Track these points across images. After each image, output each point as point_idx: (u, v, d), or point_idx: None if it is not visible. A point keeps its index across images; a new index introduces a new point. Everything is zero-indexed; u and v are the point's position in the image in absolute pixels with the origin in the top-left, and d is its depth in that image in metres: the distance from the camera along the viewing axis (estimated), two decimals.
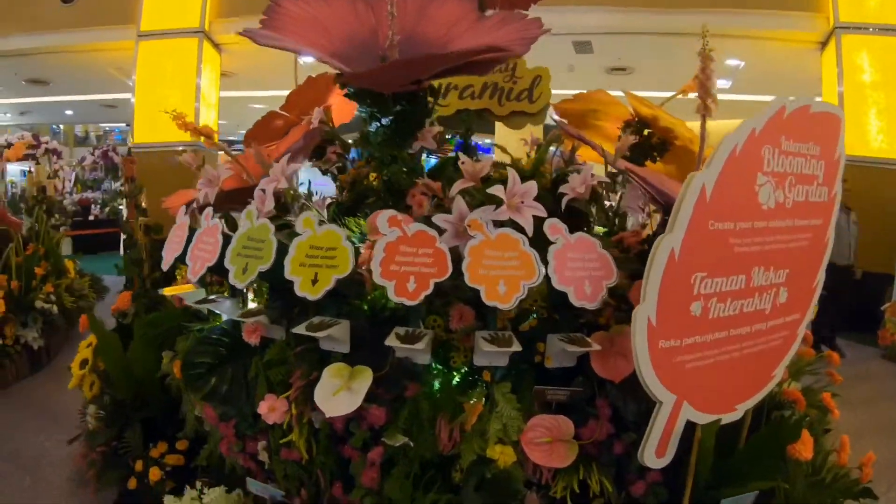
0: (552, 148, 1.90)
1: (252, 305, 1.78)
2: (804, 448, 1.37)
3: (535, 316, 1.48)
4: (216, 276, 1.88)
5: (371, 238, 1.36)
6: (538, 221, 1.36)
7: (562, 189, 1.47)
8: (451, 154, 1.91)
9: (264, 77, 7.47)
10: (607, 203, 1.96)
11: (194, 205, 1.93)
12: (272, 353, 1.55)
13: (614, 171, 1.72)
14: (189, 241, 1.74)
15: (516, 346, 1.26)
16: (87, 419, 2.33)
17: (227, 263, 1.53)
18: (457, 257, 1.30)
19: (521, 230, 1.33)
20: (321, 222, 1.45)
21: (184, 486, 1.79)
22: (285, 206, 1.68)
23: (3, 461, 2.57)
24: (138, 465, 2.01)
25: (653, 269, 1.11)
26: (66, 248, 7.51)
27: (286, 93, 2.45)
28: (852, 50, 5.63)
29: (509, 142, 2.20)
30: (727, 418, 1.31)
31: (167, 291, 2.15)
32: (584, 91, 2.27)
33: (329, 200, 2.20)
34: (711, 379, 1.25)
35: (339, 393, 1.27)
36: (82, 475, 2.27)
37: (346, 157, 2.16)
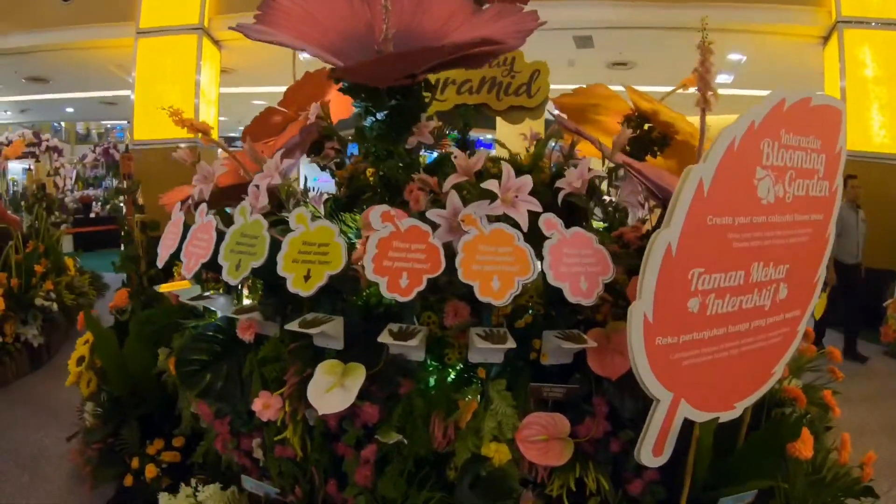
0: (552, 143, 1.88)
1: (247, 302, 1.77)
2: (804, 447, 1.35)
3: (531, 312, 1.46)
4: (211, 273, 1.87)
5: (365, 234, 1.35)
6: (535, 216, 1.34)
7: (558, 184, 1.45)
8: (450, 149, 1.89)
9: (265, 73, 7.44)
10: (607, 198, 1.94)
11: (189, 201, 1.92)
12: (266, 350, 1.53)
13: (613, 165, 1.70)
14: (184, 237, 1.73)
15: (510, 343, 1.24)
16: (85, 416, 2.33)
17: (220, 260, 1.52)
18: (451, 253, 1.28)
19: (516, 225, 1.31)
20: (314, 218, 1.43)
21: (180, 483, 1.78)
22: (281, 203, 1.66)
23: (2, 459, 2.58)
24: (135, 462, 2.01)
25: (649, 264, 1.09)
26: (67, 245, 7.53)
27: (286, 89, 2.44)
28: (854, 44, 5.57)
29: (510, 137, 2.17)
30: (726, 416, 1.29)
31: (163, 288, 2.14)
32: (584, 85, 2.25)
33: (326, 196, 2.19)
34: (709, 376, 1.23)
35: (332, 390, 1.25)
36: (81, 472, 2.27)
37: (344, 152, 2.14)
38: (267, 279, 1.55)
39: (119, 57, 7.06)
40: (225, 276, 1.49)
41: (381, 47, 1.59)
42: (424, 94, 1.81)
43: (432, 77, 2.30)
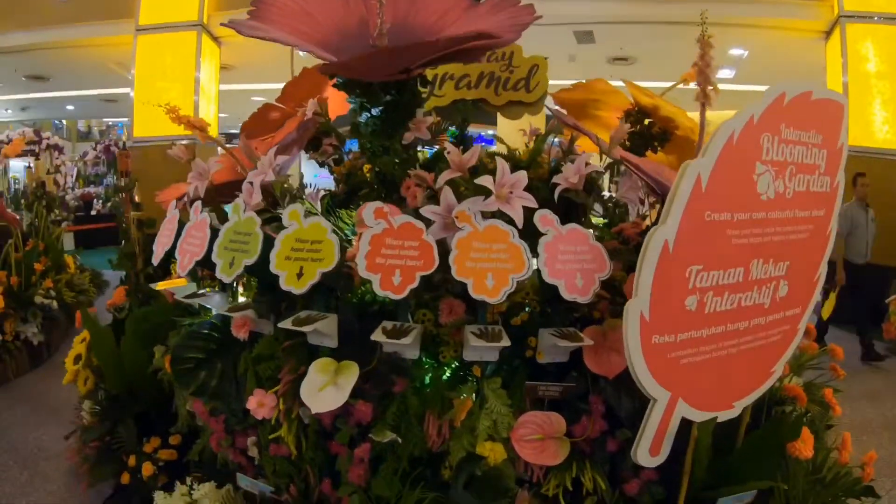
0: (553, 138, 1.85)
1: (242, 300, 1.76)
2: (804, 446, 1.33)
3: (527, 309, 1.44)
4: (207, 270, 1.86)
5: (359, 230, 1.33)
6: (531, 213, 1.32)
7: (555, 179, 1.43)
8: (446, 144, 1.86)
9: (265, 69, 7.40)
10: (607, 194, 1.92)
11: (185, 198, 1.90)
12: (261, 348, 1.52)
13: (611, 160, 1.68)
14: (179, 235, 1.72)
15: (505, 341, 1.22)
16: (83, 414, 2.33)
17: (214, 257, 1.50)
18: (446, 250, 1.26)
19: (512, 222, 1.29)
20: (308, 214, 1.42)
21: (180, 481, 1.77)
22: (277, 200, 1.65)
23: (1, 457, 2.58)
24: (131, 461, 2.00)
25: (645, 262, 1.07)
26: (68, 242, 7.54)
27: None
28: (857, 39, 5.53)
29: (512, 132, 2.15)
30: (724, 416, 1.27)
31: (160, 286, 2.13)
32: (584, 80, 2.22)
33: (322, 193, 2.18)
34: (708, 375, 1.21)
35: (325, 388, 1.24)
36: (79, 471, 2.27)
37: (342, 148, 2.13)
38: (261, 277, 1.54)
39: (118, 54, 7.05)
40: (218, 273, 1.48)
41: (375, 42, 1.57)
42: (422, 89, 1.79)
43: (430, 72, 2.28)
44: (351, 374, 1.25)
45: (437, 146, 1.97)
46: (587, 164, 1.43)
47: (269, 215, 1.59)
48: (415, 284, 1.20)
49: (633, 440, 1.20)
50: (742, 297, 1.23)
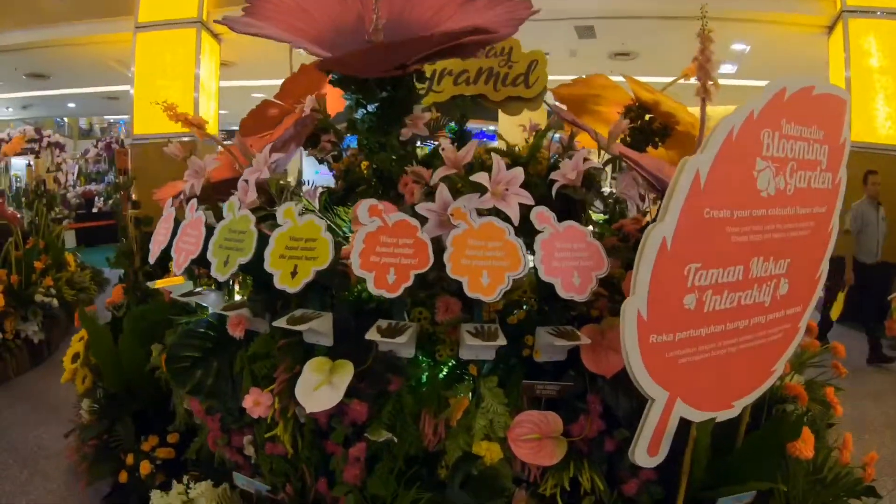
0: (554, 134, 1.83)
1: (239, 298, 1.75)
2: (805, 446, 1.31)
3: (524, 308, 1.43)
4: (203, 269, 1.85)
5: (354, 228, 1.32)
6: (528, 210, 1.30)
7: (552, 175, 1.41)
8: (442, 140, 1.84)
9: (265, 66, 7.39)
10: (607, 190, 1.90)
11: (182, 196, 1.89)
12: (256, 347, 1.52)
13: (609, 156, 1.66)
14: (175, 233, 1.71)
15: (501, 340, 1.21)
16: (82, 413, 2.33)
17: (209, 256, 1.49)
18: (442, 248, 1.25)
19: (508, 219, 1.27)
20: (304, 212, 1.40)
21: (175, 479, 1.77)
22: (274, 197, 1.63)
23: (1, 455, 2.58)
24: (129, 459, 1.99)
25: (643, 259, 1.05)
26: (70, 240, 7.55)
27: None
28: (860, 34, 5.48)
29: (513, 128, 2.13)
30: (724, 415, 1.26)
31: (158, 284, 2.13)
32: (584, 76, 2.20)
33: (321, 190, 2.16)
34: (707, 375, 1.20)
35: (320, 388, 1.23)
36: (77, 469, 2.27)
37: (341, 145, 2.11)
38: (256, 275, 1.53)
39: (118, 52, 7.03)
40: (213, 272, 1.47)
41: (371, 38, 1.55)
42: (419, 85, 1.77)
43: (428, 68, 2.26)
44: (346, 373, 1.24)
45: (436, 142, 1.95)
46: (585, 159, 1.41)
47: (265, 213, 1.58)
48: (409, 283, 1.19)
49: (631, 440, 1.19)
50: (742, 295, 1.21)
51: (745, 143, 1.11)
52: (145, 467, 1.93)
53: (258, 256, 1.38)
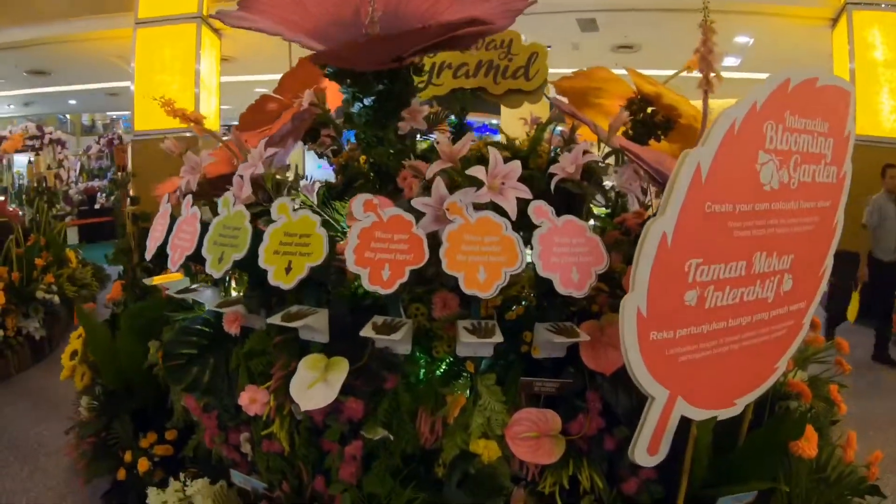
0: (553, 127, 1.80)
1: (235, 294, 1.74)
2: (808, 445, 1.29)
3: (523, 303, 1.41)
4: (199, 265, 1.83)
5: (349, 223, 1.30)
6: (526, 204, 1.28)
7: (552, 169, 1.38)
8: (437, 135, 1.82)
9: (266, 61, 7.35)
10: (609, 183, 1.87)
11: (178, 192, 1.88)
12: (252, 343, 1.50)
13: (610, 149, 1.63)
14: (171, 229, 1.70)
15: (498, 337, 1.19)
16: (80, 410, 2.32)
17: (203, 252, 1.48)
18: (438, 243, 1.22)
19: (506, 214, 1.25)
20: (302, 206, 1.39)
21: (174, 476, 1.76)
22: (270, 193, 1.61)
23: (2, 452, 2.59)
24: (127, 456, 1.99)
25: (642, 255, 1.03)
26: (72, 236, 7.56)
27: None
28: (864, 26, 5.42)
29: (515, 121, 2.11)
30: (725, 414, 1.23)
31: (156, 280, 2.12)
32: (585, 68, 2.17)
33: (319, 184, 2.14)
34: (708, 372, 1.18)
35: (315, 385, 1.21)
36: (76, 466, 2.27)
37: (340, 139, 2.09)
38: (251, 271, 1.51)
39: (119, 48, 7.01)
40: (208, 269, 1.45)
41: (368, 31, 1.52)
42: (419, 78, 1.75)
43: (427, 61, 2.24)
44: (340, 370, 1.22)
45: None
46: (585, 152, 1.38)
47: (261, 209, 1.56)
48: (404, 279, 1.17)
49: (631, 438, 1.17)
50: (744, 291, 1.18)
51: (748, 135, 1.09)
52: (143, 464, 1.93)
53: (253, 252, 1.36)
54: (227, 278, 1.81)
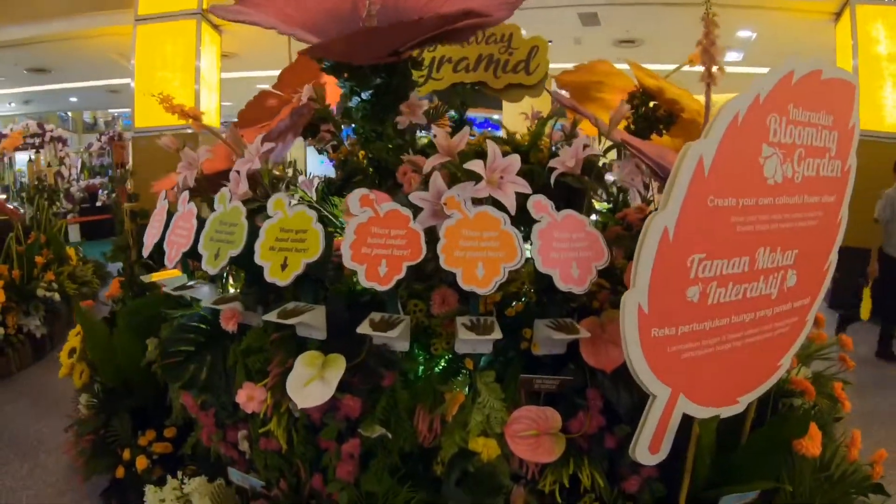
0: (556, 122, 1.78)
1: (233, 291, 1.73)
2: (812, 443, 1.27)
3: (523, 300, 1.39)
4: (197, 262, 1.82)
5: (345, 219, 1.28)
6: (526, 199, 1.26)
7: (551, 163, 1.36)
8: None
9: (267, 57, 7.32)
10: (610, 178, 1.85)
11: (175, 189, 1.87)
12: (250, 341, 1.49)
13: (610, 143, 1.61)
14: (167, 226, 1.69)
15: (497, 334, 1.17)
16: (80, 407, 2.32)
17: (200, 249, 1.46)
18: (436, 238, 1.21)
19: (504, 209, 1.23)
20: (299, 203, 1.37)
21: (173, 474, 1.75)
22: (267, 189, 1.60)
23: (2, 449, 2.58)
24: (126, 454, 1.98)
25: (643, 250, 1.01)
26: (74, 234, 7.57)
27: None
28: (867, 21, 5.36)
29: (517, 117, 2.09)
30: (728, 411, 1.22)
31: (154, 277, 2.10)
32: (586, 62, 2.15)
33: (317, 180, 2.13)
34: (710, 370, 1.16)
35: (312, 383, 1.20)
36: (76, 464, 2.26)
37: (340, 134, 2.07)
38: (247, 268, 1.50)
39: (119, 45, 6.99)
40: (204, 265, 1.44)
41: (365, 24, 1.50)
42: (418, 73, 1.73)
43: (427, 55, 2.21)
44: (337, 367, 1.21)
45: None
46: (585, 146, 1.36)
47: (258, 204, 1.55)
48: (401, 275, 1.15)
49: (633, 436, 1.15)
50: (747, 287, 1.16)
51: (751, 128, 1.06)
52: (142, 462, 1.92)
53: (249, 249, 1.35)
54: (224, 275, 1.80)
